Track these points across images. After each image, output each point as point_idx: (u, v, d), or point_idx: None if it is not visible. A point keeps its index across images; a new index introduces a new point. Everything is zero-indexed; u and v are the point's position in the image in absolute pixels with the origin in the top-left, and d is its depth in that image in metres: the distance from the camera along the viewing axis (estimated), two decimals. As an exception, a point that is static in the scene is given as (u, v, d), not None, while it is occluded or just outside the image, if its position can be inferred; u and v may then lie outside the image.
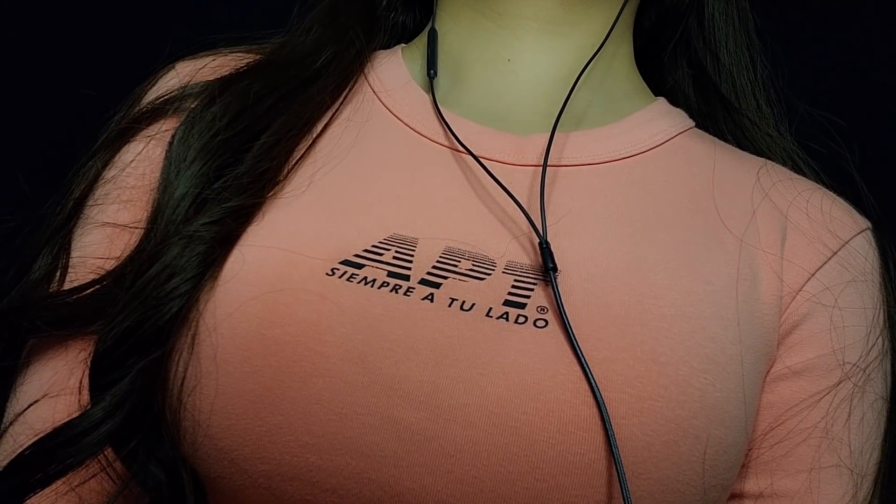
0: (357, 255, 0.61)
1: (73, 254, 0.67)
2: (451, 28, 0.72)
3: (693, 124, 0.73)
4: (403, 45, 0.76)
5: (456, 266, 0.61)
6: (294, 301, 0.59)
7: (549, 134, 0.66)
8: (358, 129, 0.69)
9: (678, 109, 0.74)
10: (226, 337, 0.59)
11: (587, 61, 0.69)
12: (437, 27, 0.73)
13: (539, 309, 0.59)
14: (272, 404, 0.57)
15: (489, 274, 0.61)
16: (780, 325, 0.64)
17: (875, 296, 0.67)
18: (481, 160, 0.65)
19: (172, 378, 0.59)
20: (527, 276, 0.60)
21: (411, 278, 0.60)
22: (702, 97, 0.78)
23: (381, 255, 0.61)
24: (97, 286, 0.64)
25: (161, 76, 0.72)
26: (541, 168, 0.66)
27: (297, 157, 0.66)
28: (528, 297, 0.59)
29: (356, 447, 0.56)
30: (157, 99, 0.70)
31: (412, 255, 0.61)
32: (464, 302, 0.59)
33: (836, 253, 0.66)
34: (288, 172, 0.66)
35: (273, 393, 0.57)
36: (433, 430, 0.56)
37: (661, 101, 0.74)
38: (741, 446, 0.61)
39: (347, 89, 0.71)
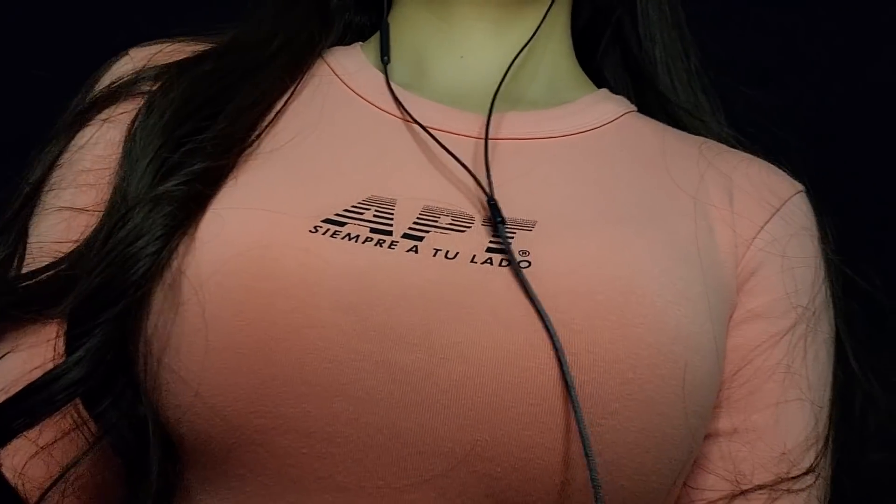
0: (338, 214, 0.62)
1: (31, 240, 0.67)
2: (407, 27, 0.76)
3: (636, 109, 0.78)
4: (361, 43, 0.79)
5: (436, 221, 0.63)
6: (280, 256, 0.59)
7: (489, 106, 0.70)
8: (321, 106, 0.71)
9: (620, 96, 0.78)
10: (213, 293, 0.59)
11: (521, 48, 0.74)
12: (395, 25, 0.76)
13: (521, 252, 0.61)
14: (265, 356, 0.57)
15: (469, 227, 0.63)
16: (739, 274, 0.68)
17: (816, 247, 0.72)
18: (429, 129, 0.68)
19: (154, 339, 0.59)
20: (506, 227, 0.63)
21: (394, 233, 0.61)
22: (637, 91, 0.83)
23: (361, 213, 0.63)
24: (56, 268, 0.63)
25: (114, 62, 0.73)
26: (501, 139, 0.69)
27: (264, 126, 0.68)
28: (509, 243, 0.61)
29: (352, 392, 0.57)
30: (111, 84, 0.70)
31: (392, 214, 0.63)
32: (447, 251, 0.61)
33: (778, 210, 0.71)
34: (255, 138, 0.67)
35: (266, 345, 0.57)
36: (427, 369, 0.57)
37: (604, 90, 0.78)
38: (715, 377, 0.64)
39: (306, 71, 0.73)
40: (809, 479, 0.66)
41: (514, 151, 0.69)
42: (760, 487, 0.65)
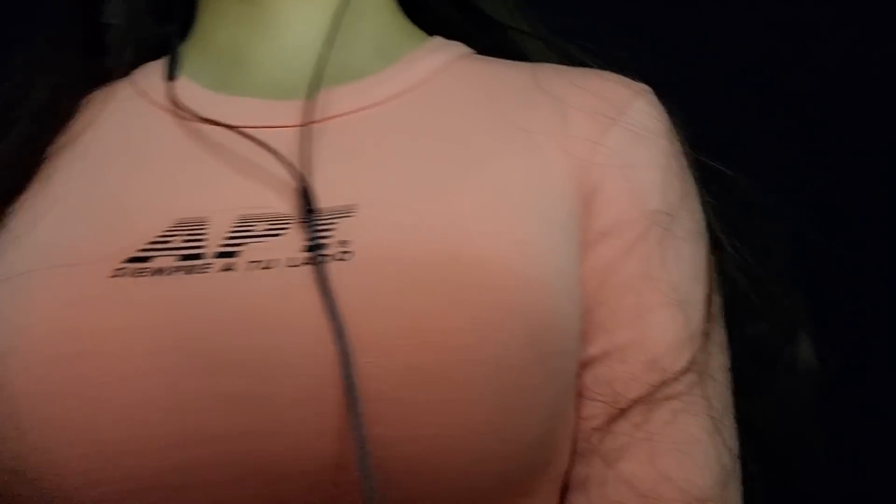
0: (141, 250, 0.59)
1: None
2: (217, 22, 0.73)
3: (471, 52, 0.75)
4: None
5: (252, 230, 0.60)
6: (81, 313, 0.56)
7: (310, 88, 0.67)
8: (127, 132, 0.68)
9: (455, 42, 0.75)
10: (15, 373, 0.56)
11: (337, 21, 0.71)
12: (204, 26, 0.74)
13: (340, 243, 0.58)
14: (86, 423, 0.55)
15: (287, 228, 0.60)
16: (581, 197, 0.66)
17: (664, 146, 0.69)
18: (241, 128, 0.65)
19: None
20: (324, 220, 0.60)
21: (205, 256, 0.59)
22: (470, 25, 0.78)
23: (168, 242, 0.60)
24: None
25: None
26: (315, 123, 0.66)
27: (47, 168, 0.65)
28: (329, 236, 0.59)
29: (193, 436, 0.54)
30: None
31: (204, 234, 0.60)
32: (264, 261, 0.58)
33: (617, 119, 0.68)
34: (32, 182, 0.65)
35: (83, 410, 0.55)
36: (266, 391, 0.54)
37: (437, 38, 0.75)
38: (567, 311, 0.62)
39: (78, 110, 0.70)
40: (690, 377, 0.64)
41: (340, 130, 0.66)
42: (637, 402, 0.63)
